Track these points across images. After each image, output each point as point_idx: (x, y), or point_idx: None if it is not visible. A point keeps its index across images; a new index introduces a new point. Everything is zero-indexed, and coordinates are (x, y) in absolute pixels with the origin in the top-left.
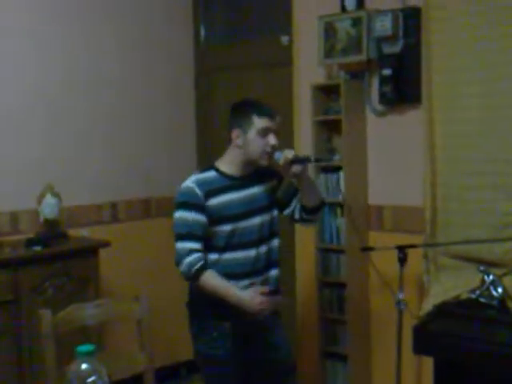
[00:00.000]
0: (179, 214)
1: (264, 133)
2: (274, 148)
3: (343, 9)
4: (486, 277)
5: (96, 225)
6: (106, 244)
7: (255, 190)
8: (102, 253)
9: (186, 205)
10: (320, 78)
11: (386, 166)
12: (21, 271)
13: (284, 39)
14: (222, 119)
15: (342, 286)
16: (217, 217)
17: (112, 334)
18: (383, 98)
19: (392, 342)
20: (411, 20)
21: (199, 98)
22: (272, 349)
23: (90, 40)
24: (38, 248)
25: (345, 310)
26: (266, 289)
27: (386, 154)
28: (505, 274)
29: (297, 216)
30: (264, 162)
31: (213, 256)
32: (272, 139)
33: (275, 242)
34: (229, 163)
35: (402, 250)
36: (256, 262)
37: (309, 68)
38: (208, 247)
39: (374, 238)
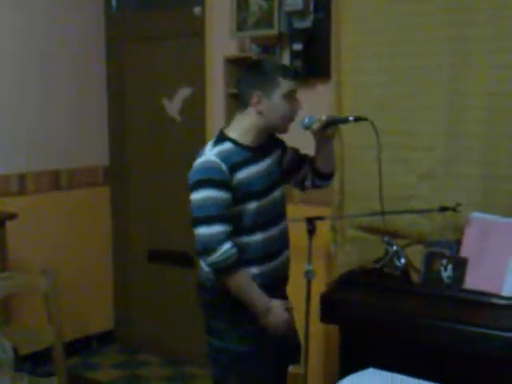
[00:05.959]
0: (204, 194)
1: (290, 96)
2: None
3: None
4: (389, 247)
5: (3, 196)
6: (13, 216)
7: (269, 162)
8: (9, 225)
9: (211, 182)
10: (232, 50)
11: (296, 139)
12: None
13: (196, 10)
14: (134, 89)
15: None
16: (242, 194)
17: (20, 307)
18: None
19: (301, 311)
20: None
21: (110, 67)
22: (295, 334)
23: None
24: None
25: None
26: (291, 307)
27: (296, 128)
28: (407, 245)
29: (308, 183)
30: (286, 130)
31: (239, 240)
32: (299, 104)
33: (286, 219)
34: (243, 132)
35: (310, 221)
36: (275, 243)
37: (221, 40)
38: (232, 230)
39: None
